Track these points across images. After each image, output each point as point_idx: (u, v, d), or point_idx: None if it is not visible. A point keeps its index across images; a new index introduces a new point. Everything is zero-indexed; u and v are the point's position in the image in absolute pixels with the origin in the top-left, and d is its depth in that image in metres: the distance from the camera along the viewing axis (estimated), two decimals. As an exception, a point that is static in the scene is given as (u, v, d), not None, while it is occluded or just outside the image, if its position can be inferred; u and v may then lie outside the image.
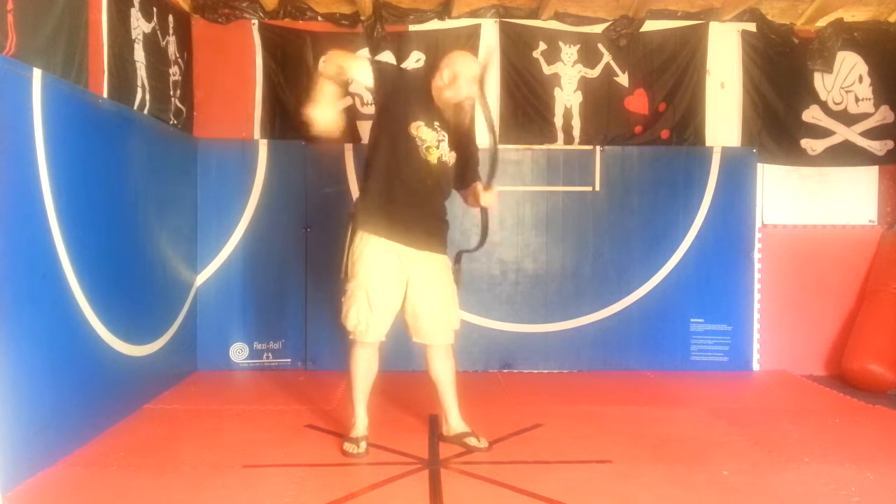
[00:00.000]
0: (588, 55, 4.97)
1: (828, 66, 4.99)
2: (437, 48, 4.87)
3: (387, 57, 4.88)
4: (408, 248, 3.05)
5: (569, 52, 4.96)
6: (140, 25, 3.94)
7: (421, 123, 3.00)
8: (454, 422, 3.22)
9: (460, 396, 3.25)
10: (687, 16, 4.98)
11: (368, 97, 4.89)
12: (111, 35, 3.57)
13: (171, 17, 4.41)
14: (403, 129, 2.99)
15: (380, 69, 3.04)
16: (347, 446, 3.09)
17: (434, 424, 3.47)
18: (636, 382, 4.54)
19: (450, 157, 3.08)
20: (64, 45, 3.08)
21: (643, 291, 4.87)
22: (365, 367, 3.16)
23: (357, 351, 3.15)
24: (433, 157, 3.02)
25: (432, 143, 3.02)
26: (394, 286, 3.08)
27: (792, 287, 4.98)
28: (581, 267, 4.89)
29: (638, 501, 2.60)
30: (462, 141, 3.15)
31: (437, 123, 3.04)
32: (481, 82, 3.04)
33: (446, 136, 3.06)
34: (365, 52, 2.97)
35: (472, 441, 3.15)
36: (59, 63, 3.03)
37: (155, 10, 4.15)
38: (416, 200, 3.06)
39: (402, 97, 3.01)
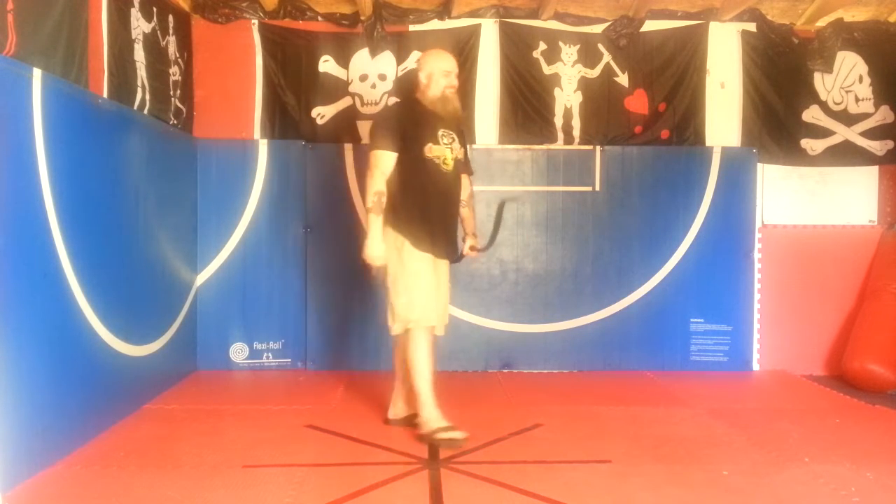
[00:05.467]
0: (588, 55, 4.97)
1: (828, 66, 4.99)
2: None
3: (387, 57, 4.89)
4: (436, 259, 3.32)
5: (569, 52, 4.96)
6: (140, 25, 3.94)
7: (430, 144, 3.24)
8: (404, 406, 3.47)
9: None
10: (687, 16, 4.98)
11: (368, 97, 4.90)
12: (111, 35, 3.57)
13: (171, 17, 4.41)
14: (420, 155, 3.22)
15: (389, 142, 3.22)
16: (448, 435, 3.12)
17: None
18: (636, 382, 4.54)
19: (461, 151, 3.37)
20: (64, 45, 3.08)
21: (643, 291, 4.87)
22: (429, 352, 3.25)
23: (420, 339, 3.23)
24: (450, 164, 3.29)
25: (445, 154, 3.26)
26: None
27: (792, 287, 4.98)
28: (581, 267, 4.89)
29: (638, 501, 2.61)
30: (461, 127, 3.45)
31: (441, 132, 3.26)
32: None
33: (454, 136, 3.33)
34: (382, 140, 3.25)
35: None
36: (59, 63, 3.03)
37: (155, 10, 4.15)
38: (444, 209, 3.34)
39: (407, 132, 3.23)
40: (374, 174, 3.21)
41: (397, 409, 3.50)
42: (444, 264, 3.37)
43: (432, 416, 3.19)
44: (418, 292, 3.22)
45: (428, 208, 3.26)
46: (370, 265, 3.24)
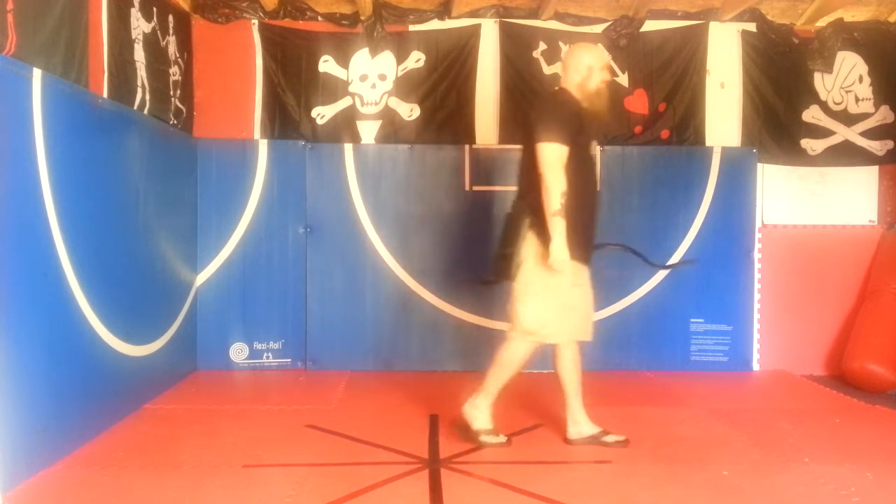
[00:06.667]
0: (588, 55, 4.96)
1: (828, 66, 4.99)
2: (437, 48, 4.89)
3: (387, 57, 4.89)
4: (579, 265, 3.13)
5: (569, 52, 4.95)
6: (140, 25, 3.94)
7: (594, 141, 3.17)
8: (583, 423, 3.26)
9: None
10: (687, 16, 4.98)
11: (368, 97, 4.90)
12: (111, 35, 3.57)
13: (171, 17, 4.41)
14: (587, 153, 3.10)
15: (564, 135, 2.99)
16: (489, 439, 3.15)
17: (434, 424, 3.47)
18: (636, 382, 4.54)
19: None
20: (64, 45, 3.08)
21: (643, 291, 4.87)
22: (521, 364, 3.19)
23: (525, 348, 3.14)
24: (596, 163, 3.20)
25: (597, 151, 3.20)
26: None
27: (792, 287, 4.97)
28: (581, 267, 4.88)
29: (638, 501, 2.61)
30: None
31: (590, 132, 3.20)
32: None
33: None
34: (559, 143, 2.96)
35: (609, 438, 3.19)
36: (59, 63, 3.03)
37: (155, 10, 4.15)
38: (596, 212, 3.21)
39: (579, 126, 3.07)
40: (554, 171, 2.92)
41: (580, 428, 3.25)
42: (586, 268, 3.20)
43: (483, 415, 3.18)
44: (554, 308, 3.04)
45: (589, 213, 3.08)
46: (554, 269, 2.96)
